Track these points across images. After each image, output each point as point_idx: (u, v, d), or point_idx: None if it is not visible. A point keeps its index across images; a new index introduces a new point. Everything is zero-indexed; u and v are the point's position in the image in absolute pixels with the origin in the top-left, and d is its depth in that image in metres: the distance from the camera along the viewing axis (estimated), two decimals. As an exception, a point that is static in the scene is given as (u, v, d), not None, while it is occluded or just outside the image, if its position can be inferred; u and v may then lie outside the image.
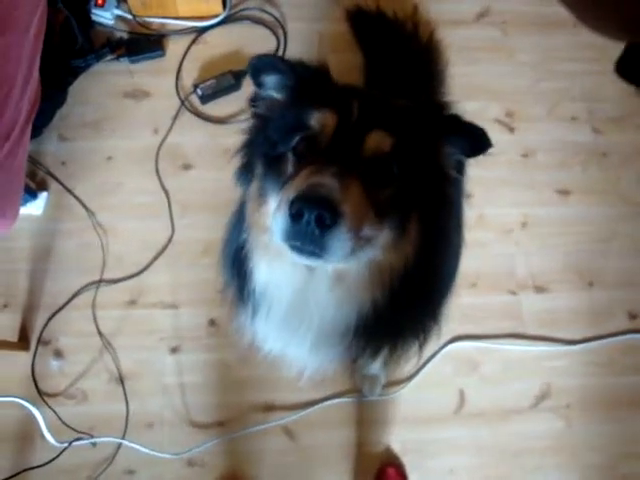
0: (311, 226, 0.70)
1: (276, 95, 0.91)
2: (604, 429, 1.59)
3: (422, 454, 1.55)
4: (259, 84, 0.91)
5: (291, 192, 0.72)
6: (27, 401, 1.47)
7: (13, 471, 1.44)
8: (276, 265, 0.87)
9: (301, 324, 0.91)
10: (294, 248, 0.74)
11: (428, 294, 0.97)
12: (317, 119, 0.80)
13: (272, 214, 0.79)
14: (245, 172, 0.92)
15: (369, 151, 0.78)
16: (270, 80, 0.90)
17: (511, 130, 1.81)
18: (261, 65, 0.89)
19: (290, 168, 0.82)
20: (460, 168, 0.91)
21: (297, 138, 0.82)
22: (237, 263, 0.94)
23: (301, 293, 0.88)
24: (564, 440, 1.57)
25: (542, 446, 1.56)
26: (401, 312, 0.91)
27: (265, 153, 0.86)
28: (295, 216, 0.70)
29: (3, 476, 1.43)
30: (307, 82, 0.88)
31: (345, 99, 0.82)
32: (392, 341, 1.00)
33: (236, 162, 0.93)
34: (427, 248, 0.85)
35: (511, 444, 1.56)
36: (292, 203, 0.70)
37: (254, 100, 0.93)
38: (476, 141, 0.85)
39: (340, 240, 0.72)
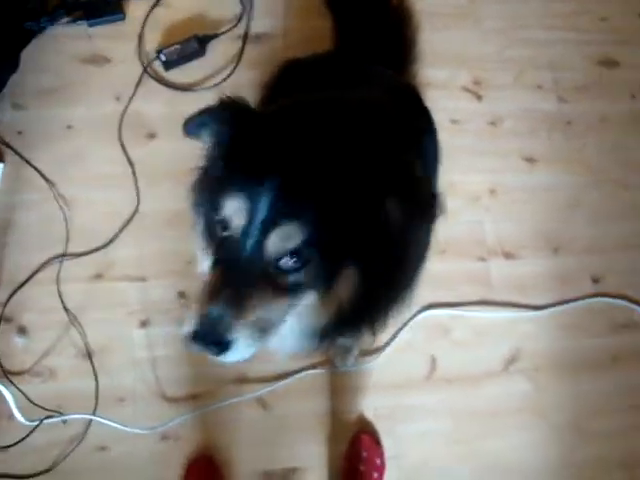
0: (211, 350, 0.74)
1: (216, 152, 0.85)
2: (570, 390, 1.63)
3: (395, 420, 1.56)
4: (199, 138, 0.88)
5: (193, 314, 0.74)
6: None
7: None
8: None
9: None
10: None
11: (384, 301, 0.96)
12: (229, 209, 0.75)
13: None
14: (196, 207, 0.89)
15: (272, 252, 0.74)
16: (207, 138, 0.86)
17: (479, 98, 1.82)
18: (191, 129, 0.87)
19: (216, 246, 0.80)
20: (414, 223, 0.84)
21: (217, 218, 0.78)
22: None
23: None
24: (533, 401, 1.61)
25: (512, 408, 1.60)
26: (365, 310, 0.90)
27: (206, 212, 0.83)
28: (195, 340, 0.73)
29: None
30: (236, 139, 0.81)
31: (261, 179, 0.74)
32: (360, 326, 0.99)
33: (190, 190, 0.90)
34: (371, 284, 0.81)
35: (482, 407, 1.59)
36: (191, 337, 0.73)
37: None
38: (421, 209, 0.82)
39: (244, 345, 0.74)
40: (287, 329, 0.86)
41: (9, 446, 1.40)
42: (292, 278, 0.76)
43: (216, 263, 0.78)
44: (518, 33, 1.89)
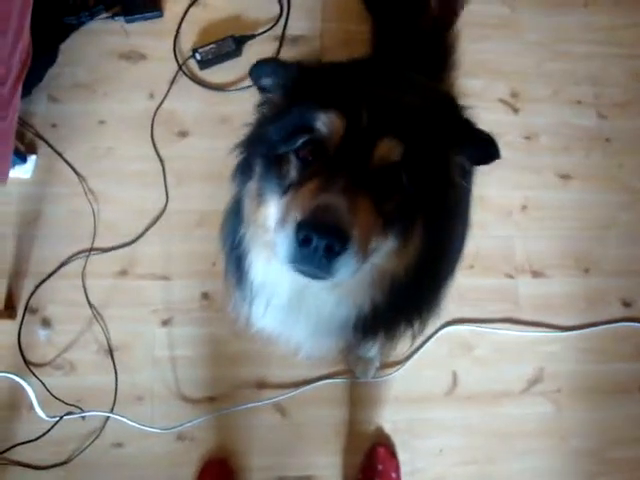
0: (319, 253, 0.68)
1: (279, 96, 0.88)
2: (593, 415, 1.60)
3: (412, 434, 1.55)
4: (261, 88, 0.90)
5: (298, 212, 0.70)
6: (17, 375, 1.43)
7: (3, 446, 1.41)
8: (274, 265, 0.85)
9: (299, 318, 0.91)
10: (299, 271, 0.72)
11: (427, 292, 0.96)
12: (324, 122, 0.76)
13: (274, 223, 0.77)
14: (243, 170, 0.89)
15: (378, 160, 0.75)
16: (271, 82, 0.88)
17: (515, 111, 1.78)
18: (260, 71, 0.88)
19: (293, 172, 0.79)
20: (468, 176, 0.89)
21: (301, 141, 0.78)
22: (235, 256, 0.92)
23: (299, 292, 0.87)
24: (554, 424, 1.58)
25: (531, 429, 1.58)
26: (400, 309, 0.92)
27: (265, 153, 0.83)
28: (302, 241, 0.68)
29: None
30: (309, 81, 0.85)
31: (353, 100, 0.77)
32: (389, 331, 0.99)
33: (234, 158, 0.90)
34: (429, 254, 0.83)
35: (501, 426, 1.57)
36: (299, 228, 0.68)
37: (261, 105, 0.91)
38: (486, 151, 0.85)
39: (348, 264, 0.70)
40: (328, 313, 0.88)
41: (30, 441, 1.42)
42: (388, 206, 0.76)
43: (310, 176, 0.75)
44: (559, 46, 1.85)
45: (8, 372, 1.44)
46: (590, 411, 1.60)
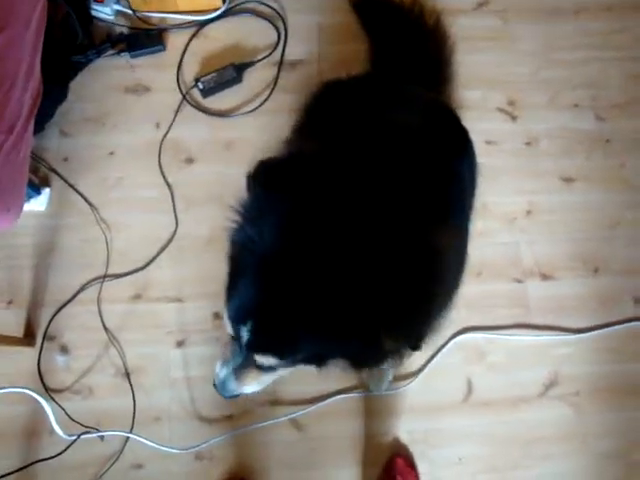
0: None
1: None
2: (614, 416, 1.58)
3: (430, 444, 1.54)
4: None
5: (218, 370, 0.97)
6: (36, 393, 1.45)
7: (22, 464, 1.43)
8: None
9: None
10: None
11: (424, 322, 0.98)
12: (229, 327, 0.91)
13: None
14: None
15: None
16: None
17: (513, 118, 1.81)
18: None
19: None
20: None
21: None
22: None
23: None
24: (574, 428, 1.56)
25: (551, 434, 1.56)
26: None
27: None
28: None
29: (12, 469, 1.42)
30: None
31: (243, 319, 0.87)
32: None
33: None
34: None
35: (520, 432, 1.55)
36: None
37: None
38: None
39: (245, 392, 0.99)
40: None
41: (48, 458, 1.44)
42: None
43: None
44: (553, 54, 1.87)
45: (27, 388, 1.47)
46: (611, 413, 1.58)
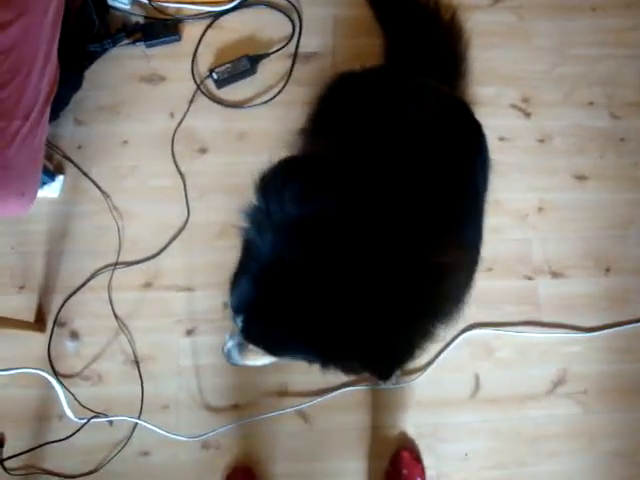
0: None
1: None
2: (622, 416, 1.58)
3: (437, 438, 1.54)
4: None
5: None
6: (49, 374, 1.46)
7: (32, 447, 1.45)
8: None
9: None
10: None
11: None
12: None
13: None
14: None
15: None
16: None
17: (527, 115, 1.80)
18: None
19: None
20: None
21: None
22: None
23: None
24: (581, 426, 1.56)
25: (558, 432, 1.56)
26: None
27: None
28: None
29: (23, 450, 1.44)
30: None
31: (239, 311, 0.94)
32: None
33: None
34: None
35: (526, 429, 1.55)
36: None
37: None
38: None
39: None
40: None
41: (59, 440, 1.45)
42: None
43: None
44: (568, 50, 1.86)
45: (40, 369, 1.47)
46: (619, 412, 1.58)
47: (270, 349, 0.96)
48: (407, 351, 0.99)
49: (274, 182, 0.89)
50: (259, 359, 1.02)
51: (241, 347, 1.02)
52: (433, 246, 0.93)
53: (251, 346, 0.98)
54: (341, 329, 0.86)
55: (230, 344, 1.04)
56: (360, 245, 0.86)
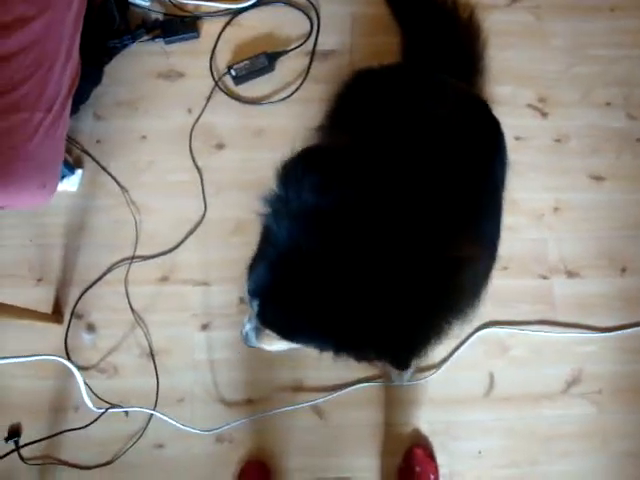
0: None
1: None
2: (636, 417, 1.57)
3: (450, 436, 1.54)
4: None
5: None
6: (68, 361, 1.47)
7: (50, 433, 1.47)
8: None
9: None
10: None
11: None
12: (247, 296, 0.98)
13: None
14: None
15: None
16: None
17: (544, 115, 1.80)
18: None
19: None
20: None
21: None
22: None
23: None
24: (595, 426, 1.56)
25: (572, 431, 1.55)
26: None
27: None
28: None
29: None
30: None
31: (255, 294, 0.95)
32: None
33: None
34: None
35: (540, 428, 1.55)
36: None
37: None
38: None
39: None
40: None
41: (77, 429, 1.47)
42: None
43: None
44: (586, 51, 1.86)
45: (59, 356, 1.48)
46: (633, 413, 1.57)
47: (284, 334, 0.96)
48: (423, 341, 1.00)
49: (294, 171, 0.90)
50: (275, 343, 1.03)
51: (258, 331, 1.03)
52: (450, 240, 0.93)
53: (267, 331, 0.99)
54: (357, 317, 0.86)
55: (248, 327, 1.05)
56: (377, 236, 0.86)
